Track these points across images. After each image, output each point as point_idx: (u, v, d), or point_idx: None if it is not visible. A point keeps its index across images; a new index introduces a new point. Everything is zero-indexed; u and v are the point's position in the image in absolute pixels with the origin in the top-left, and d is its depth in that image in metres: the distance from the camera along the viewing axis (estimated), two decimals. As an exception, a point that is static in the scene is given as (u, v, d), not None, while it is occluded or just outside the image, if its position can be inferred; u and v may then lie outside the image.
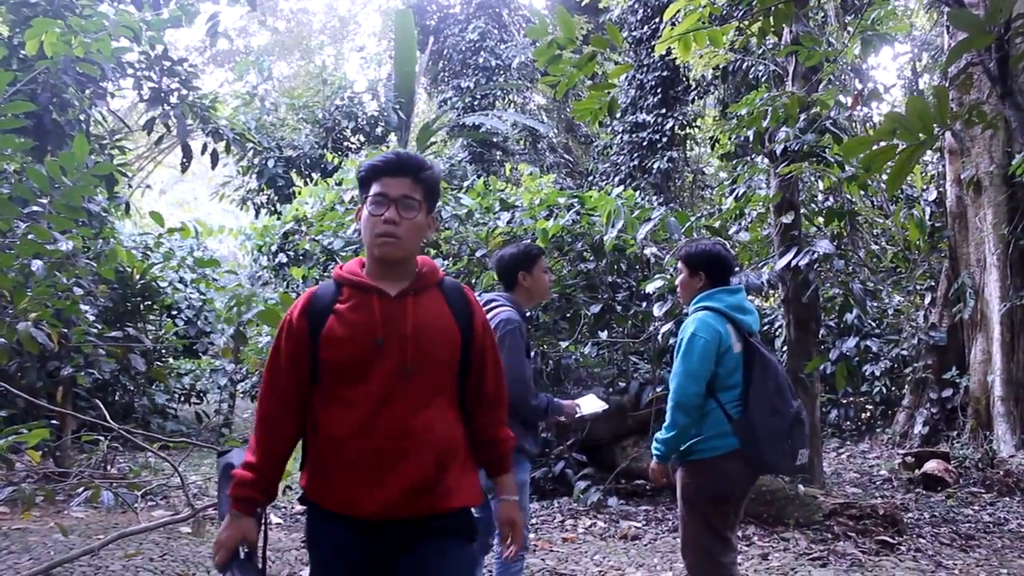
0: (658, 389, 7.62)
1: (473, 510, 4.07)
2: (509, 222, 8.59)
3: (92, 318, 8.41)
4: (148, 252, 11.80)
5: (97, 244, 8.19)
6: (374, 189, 2.49)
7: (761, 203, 7.91)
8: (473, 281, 8.51)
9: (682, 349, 3.78)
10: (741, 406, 3.75)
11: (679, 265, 4.09)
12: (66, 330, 6.64)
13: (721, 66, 14.95)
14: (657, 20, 16.24)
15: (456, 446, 2.51)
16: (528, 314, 8.07)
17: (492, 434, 2.69)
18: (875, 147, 2.85)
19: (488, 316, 4.16)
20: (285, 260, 11.45)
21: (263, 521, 2.53)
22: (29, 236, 4.25)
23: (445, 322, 2.52)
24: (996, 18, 2.84)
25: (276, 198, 16.76)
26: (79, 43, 5.21)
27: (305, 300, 2.54)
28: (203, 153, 9.97)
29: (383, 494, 2.37)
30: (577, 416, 4.43)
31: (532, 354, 4.27)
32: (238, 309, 9.48)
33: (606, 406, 4.59)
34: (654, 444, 3.88)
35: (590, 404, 4.46)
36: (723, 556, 3.83)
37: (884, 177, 7.72)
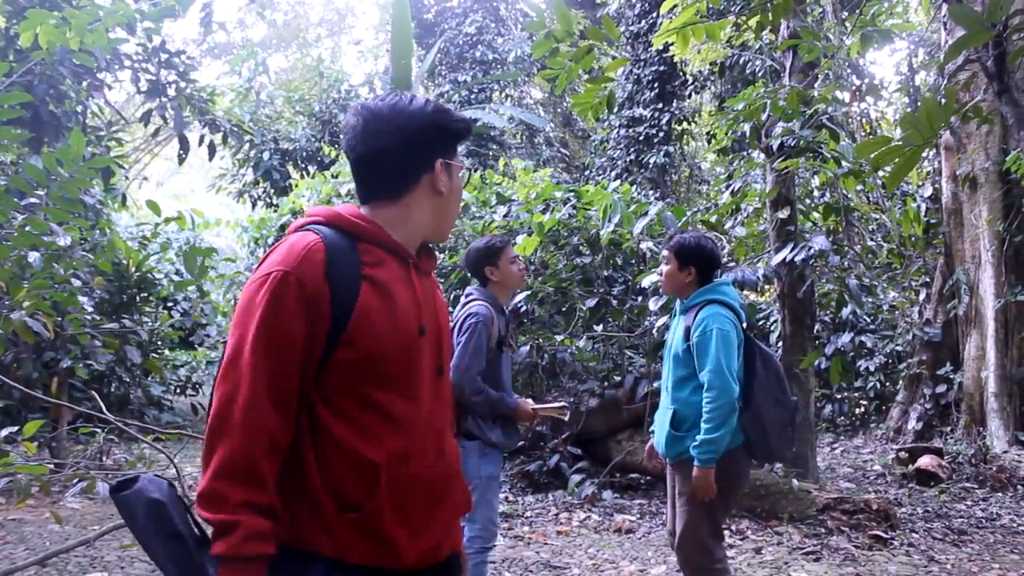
0: (655, 384, 7.64)
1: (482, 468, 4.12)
2: (506, 216, 8.60)
3: (90, 309, 8.40)
4: (145, 242, 11.79)
5: (94, 235, 8.19)
6: (459, 156, 2.00)
7: (757, 198, 7.92)
8: (468, 275, 8.52)
9: (712, 345, 3.69)
10: (744, 399, 3.78)
11: (667, 254, 4.00)
12: (61, 319, 6.64)
13: (718, 61, 14.96)
14: (654, 15, 16.23)
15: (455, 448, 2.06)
16: (523, 308, 8.13)
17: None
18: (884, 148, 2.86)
19: (463, 310, 4.23)
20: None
21: None
22: (26, 228, 4.25)
23: (447, 311, 2.08)
24: (997, 15, 2.85)
25: (272, 191, 16.77)
26: (74, 34, 5.19)
27: (321, 253, 1.76)
28: (200, 145, 9.97)
29: (431, 535, 1.87)
30: (537, 419, 4.40)
31: (504, 347, 4.26)
32: (235, 298, 9.48)
33: (565, 417, 4.60)
34: (700, 450, 3.67)
35: (551, 409, 4.40)
36: (719, 550, 3.88)
37: (880, 173, 7.75)
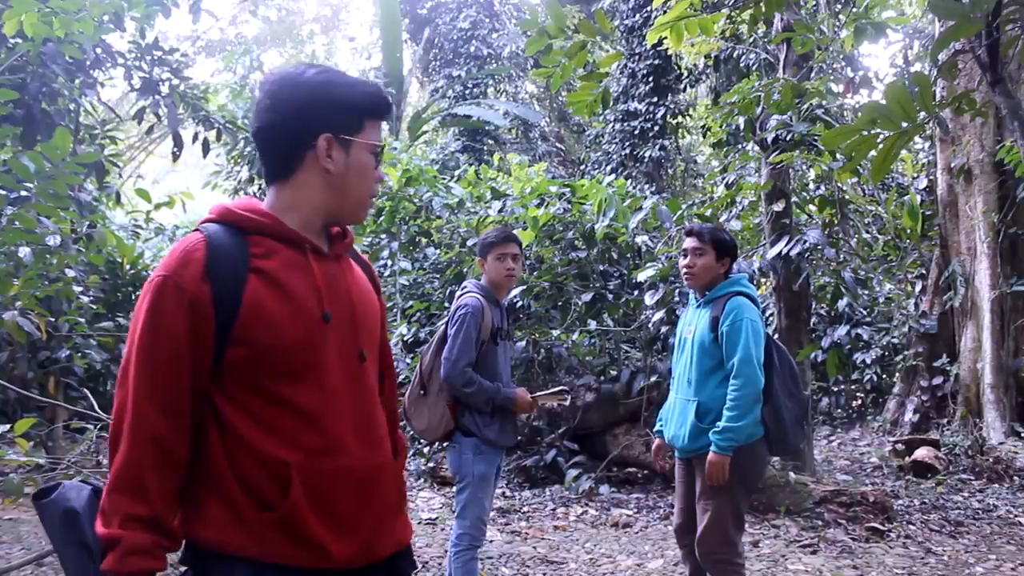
0: (651, 378, 7.64)
1: (451, 457, 4.10)
2: (500, 211, 8.59)
3: (85, 300, 8.37)
4: (138, 230, 11.74)
5: (83, 227, 8.16)
6: (374, 135, 1.85)
7: (752, 191, 7.92)
8: (464, 270, 8.52)
9: (743, 335, 3.72)
10: (764, 392, 3.79)
11: (700, 244, 3.93)
12: (54, 319, 6.62)
13: (712, 55, 14.93)
14: (648, 9, 16.20)
15: (392, 441, 1.97)
16: (518, 303, 8.12)
17: (393, 442, 2.02)
18: (856, 136, 2.84)
19: (455, 302, 4.26)
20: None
21: None
22: (15, 224, 4.23)
23: (370, 292, 1.97)
24: (981, 5, 2.83)
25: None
26: (59, 23, 5.14)
27: (201, 252, 1.70)
28: (194, 142, 9.94)
29: (364, 528, 1.78)
30: (536, 408, 4.40)
31: (500, 340, 4.25)
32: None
33: (566, 402, 4.60)
34: (721, 436, 3.69)
35: (551, 397, 4.43)
36: (739, 542, 3.90)
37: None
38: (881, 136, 2.77)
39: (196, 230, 1.76)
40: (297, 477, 1.68)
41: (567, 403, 4.63)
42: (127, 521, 1.60)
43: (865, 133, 2.79)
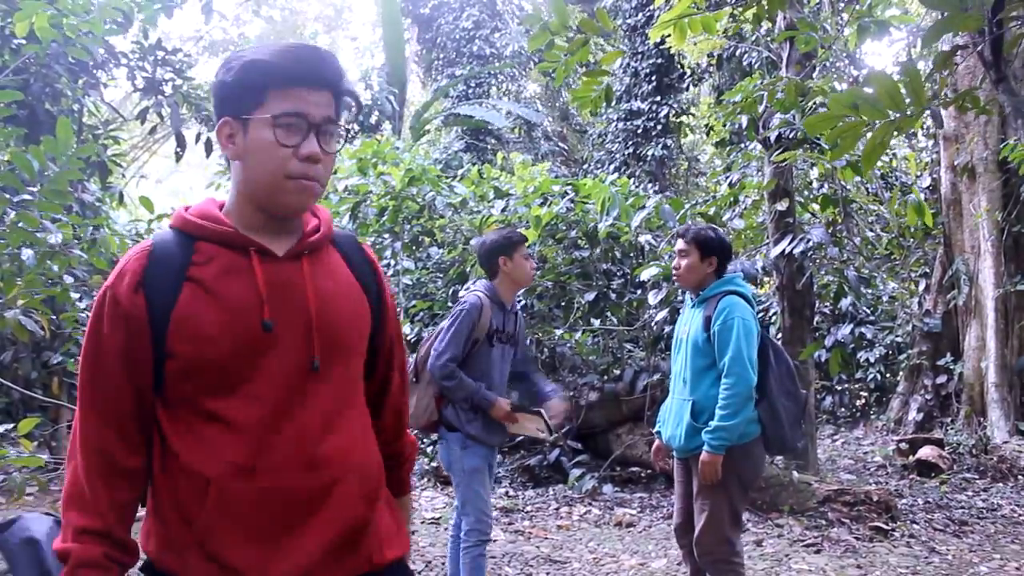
0: (654, 377, 7.63)
1: (442, 453, 4.05)
2: (503, 210, 8.58)
3: (84, 306, 8.38)
4: (139, 239, 11.78)
5: (87, 231, 8.17)
6: (282, 105, 1.59)
7: (755, 190, 7.90)
8: (467, 270, 8.51)
9: (734, 334, 3.72)
10: (760, 390, 3.80)
11: (684, 246, 3.97)
12: (56, 317, 6.63)
13: (715, 53, 14.92)
14: (651, 7, 16.19)
15: (380, 469, 1.81)
16: (522, 302, 8.11)
17: (399, 446, 1.96)
18: (840, 124, 2.82)
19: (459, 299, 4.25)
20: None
21: None
22: (19, 224, 4.24)
23: (352, 292, 1.77)
24: (975, -2, 2.80)
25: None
26: (69, 25, 5.16)
27: (138, 263, 1.61)
28: (197, 142, 9.95)
29: (300, 554, 1.60)
30: (509, 429, 4.32)
31: (497, 342, 4.23)
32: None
33: (549, 437, 4.53)
34: (713, 435, 3.69)
35: (533, 423, 4.24)
36: (738, 542, 3.91)
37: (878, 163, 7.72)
38: (869, 126, 2.76)
39: (154, 235, 1.71)
40: (215, 494, 1.57)
41: (547, 437, 4.52)
42: (78, 534, 1.57)
43: (849, 121, 2.77)
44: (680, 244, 4.00)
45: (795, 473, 6.74)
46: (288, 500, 1.60)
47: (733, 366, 3.69)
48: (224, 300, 1.59)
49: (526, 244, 4.37)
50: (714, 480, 3.71)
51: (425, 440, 7.87)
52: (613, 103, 17.38)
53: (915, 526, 6.32)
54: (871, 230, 10.82)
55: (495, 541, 5.90)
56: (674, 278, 4.11)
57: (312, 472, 1.62)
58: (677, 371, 4.03)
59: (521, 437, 6.76)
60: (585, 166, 19.54)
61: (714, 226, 4.15)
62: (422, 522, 6.51)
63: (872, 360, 11.21)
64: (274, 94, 1.58)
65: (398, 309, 9.15)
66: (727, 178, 8.45)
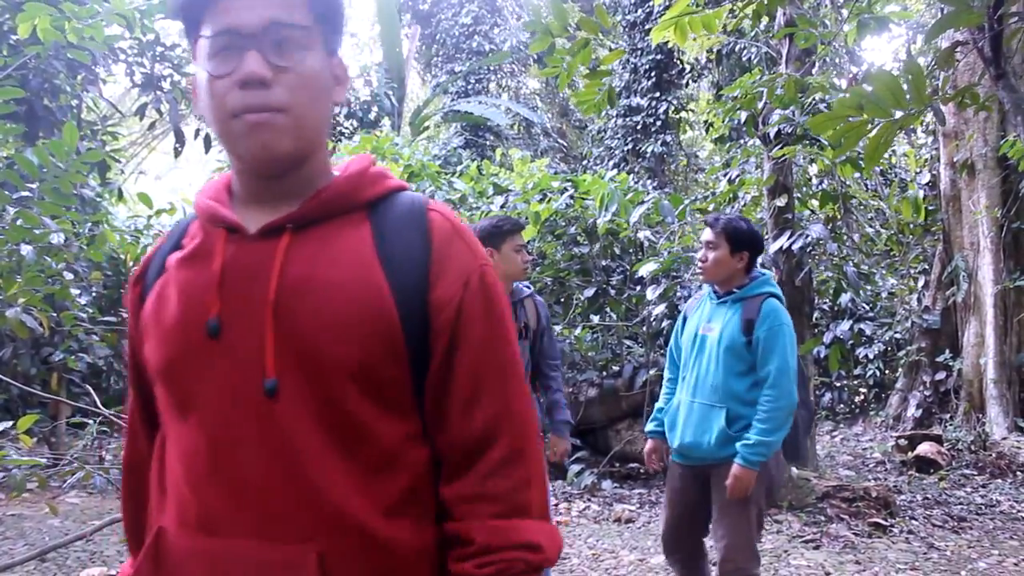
0: (651, 372, 7.63)
1: None
2: (503, 206, 8.58)
3: (84, 303, 8.38)
4: (138, 234, 11.76)
5: (86, 227, 8.16)
6: (213, 26, 1.18)
7: (755, 186, 7.91)
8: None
9: (781, 343, 3.43)
10: None
11: (713, 237, 3.57)
12: (56, 314, 6.63)
13: (715, 49, 14.92)
14: (650, 3, 16.18)
15: (411, 554, 1.18)
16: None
17: (466, 526, 1.17)
18: (844, 123, 2.80)
19: None
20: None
21: None
22: (18, 222, 4.24)
23: (362, 282, 1.17)
24: (981, -8, 2.80)
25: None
26: (71, 28, 5.16)
27: (153, 249, 1.35)
28: (195, 138, 9.94)
29: None
30: None
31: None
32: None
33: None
34: (752, 450, 3.37)
35: None
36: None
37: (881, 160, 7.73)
38: (872, 124, 2.75)
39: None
40: (162, 548, 1.20)
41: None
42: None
43: (853, 120, 2.76)
44: (708, 234, 3.62)
45: (794, 469, 6.74)
46: (220, 572, 1.14)
47: (780, 379, 3.40)
48: (179, 295, 1.22)
49: (520, 233, 4.10)
50: (744, 495, 3.41)
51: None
52: (616, 102, 17.41)
53: (914, 522, 6.33)
54: (870, 226, 10.82)
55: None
56: (699, 270, 3.74)
57: (262, 543, 1.13)
58: (699, 374, 3.62)
59: None
60: (584, 162, 19.53)
61: (746, 217, 3.78)
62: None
63: (871, 356, 11.22)
64: (208, 16, 1.19)
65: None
66: (726, 174, 8.46)
